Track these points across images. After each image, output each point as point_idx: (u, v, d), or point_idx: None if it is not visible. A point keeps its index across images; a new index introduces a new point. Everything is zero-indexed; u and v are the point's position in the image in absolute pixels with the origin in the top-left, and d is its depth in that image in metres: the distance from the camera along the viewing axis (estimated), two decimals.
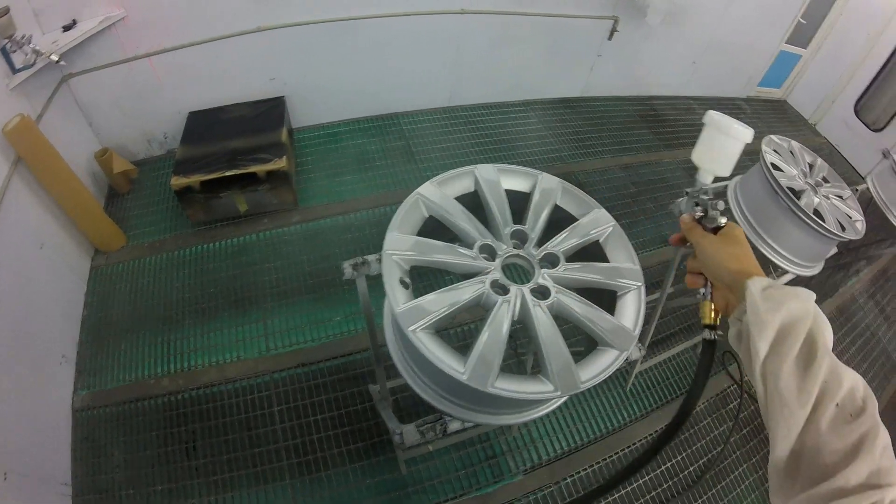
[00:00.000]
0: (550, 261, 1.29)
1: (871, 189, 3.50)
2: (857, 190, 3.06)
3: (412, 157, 3.71)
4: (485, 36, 3.82)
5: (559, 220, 1.40)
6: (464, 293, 1.18)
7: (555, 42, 4.14)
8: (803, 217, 2.13)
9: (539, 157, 4.05)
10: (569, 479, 2.46)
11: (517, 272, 1.39)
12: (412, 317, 1.12)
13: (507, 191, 1.42)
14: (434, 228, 1.35)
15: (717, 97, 5.54)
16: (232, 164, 2.94)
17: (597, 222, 1.37)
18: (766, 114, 5.74)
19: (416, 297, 1.17)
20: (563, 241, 1.33)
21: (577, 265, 1.29)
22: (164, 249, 2.98)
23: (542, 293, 1.22)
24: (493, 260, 1.26)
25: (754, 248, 0.80)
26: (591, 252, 1.38)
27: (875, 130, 5.75)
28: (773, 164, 2.31)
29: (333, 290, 2.88)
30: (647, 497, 2.48)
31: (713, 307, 0.89)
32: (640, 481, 2.53)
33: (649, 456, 1.02)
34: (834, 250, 2.49)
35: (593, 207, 1.41)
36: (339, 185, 3.44)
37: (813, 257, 2.36)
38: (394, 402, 2.37)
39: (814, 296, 0.72)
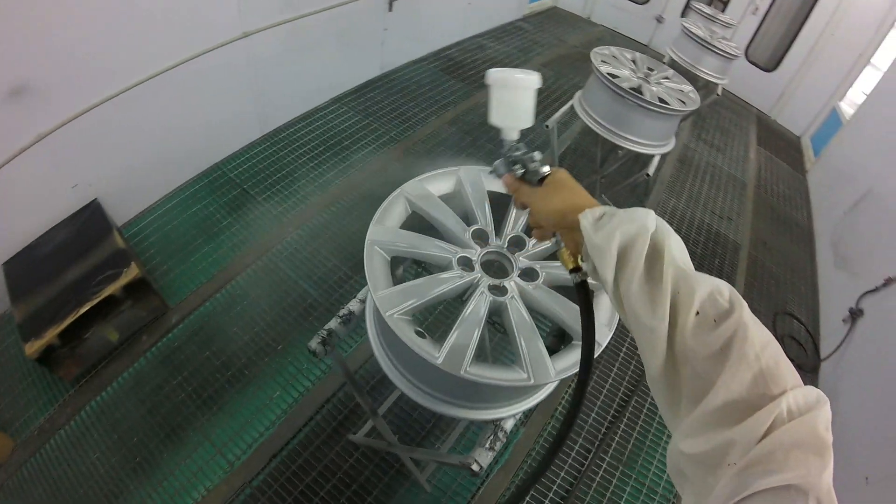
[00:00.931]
0: (527, 257, 1.36)
1: (673, 56, 4.02)
2: (663, 61, 3.54)
3: (252, 200, 3.51)
4: (276, 50, 3.63)
5: None
6: (442, 284, 1.23)
7: (342, 31, 4.06)
8: (655, 108, 2.44)
9: (372, 146, 4.02)
10: (558, 408, 2.76)
11: (496, 268, 1.41)
12: (391, 303, 1.17)
13: (489, 192, 1.48)
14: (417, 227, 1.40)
15: (499, 26, 5.85)
16: (81, 299, 2.59)
17: None
18: (546, 23, 6.19)
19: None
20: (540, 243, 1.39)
21: (555, 263, 1.34)
22: (56, 427, 2.56)
23: (518, 286, 1.27)
24: (474, 255, 1.32)
25: (584, 192, 0.87)
26: None
27: (641, 3, 6.46)
28: (609, 74, 2.56)
29: (255, 370, 2.72)
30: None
31: (569, 252, 0.88)
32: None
33: (571, 419, 0.85)
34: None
35: None
36: (198, 263, 3.16)
37: (667, 135, 2.69)
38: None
39: (651, 213, 0.70)
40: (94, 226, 2.96)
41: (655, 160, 2.75)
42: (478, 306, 1.20)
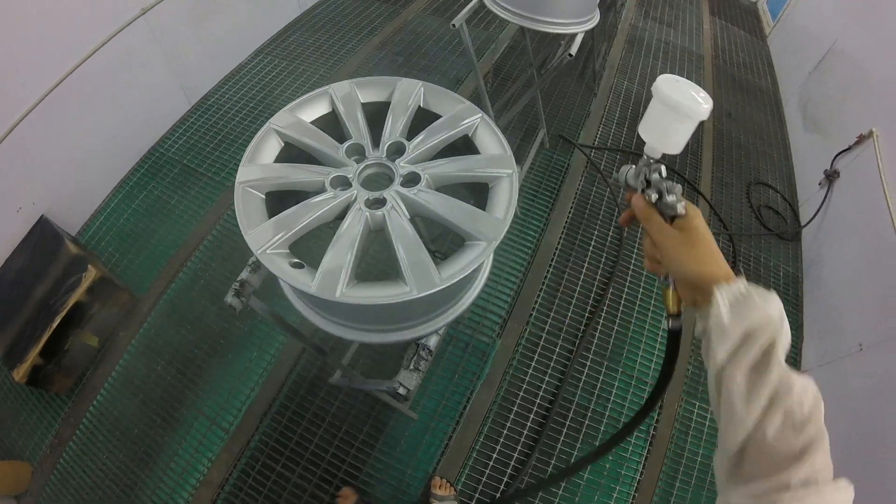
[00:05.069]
0: (409, 162, 1.26)
1: None
2: None
3: (195, 173, 3.46)
4: (182, 19, 3.46)
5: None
6: (315, 208, 1.16)
7: None
8: None
9: (301, 89, 3.90)
10: (532, 314, 2.73)
11: (378, 181, 1.32)
12: (262, 239, 1.10)
13: (367, 104, 1.39)
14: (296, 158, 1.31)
15: None
16: (51, 313, 2.62)
17: (460, 116, 1.33)
18: None
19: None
20: (425, 141, 1.29)
21: (440, 161, 1.27)
22: (65, 441, 2.65)
23: (399, 193, 1.20)
24: (350, 171, 1.24)
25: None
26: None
27: None
28: None
29: (232, 337, 2.78)
30: None
31: (676, 297, 0.82)
32: None
33: (621, 437, 1.05)
34: None
35: (459, 103, 1.36)
36: (156, 248, 3.16)
37: (587, 10, 2.54)
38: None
39: (780, 303, 0.70)
40: (47, 242, 2.94)
41: (578, 38, 2.61)
42: (352, 224, 1.14)
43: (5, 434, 2.74)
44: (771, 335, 0.67)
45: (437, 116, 1.36)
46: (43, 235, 2.97)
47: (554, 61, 3.47)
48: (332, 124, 1.37)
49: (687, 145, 0.87)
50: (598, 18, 2.66)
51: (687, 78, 0.81)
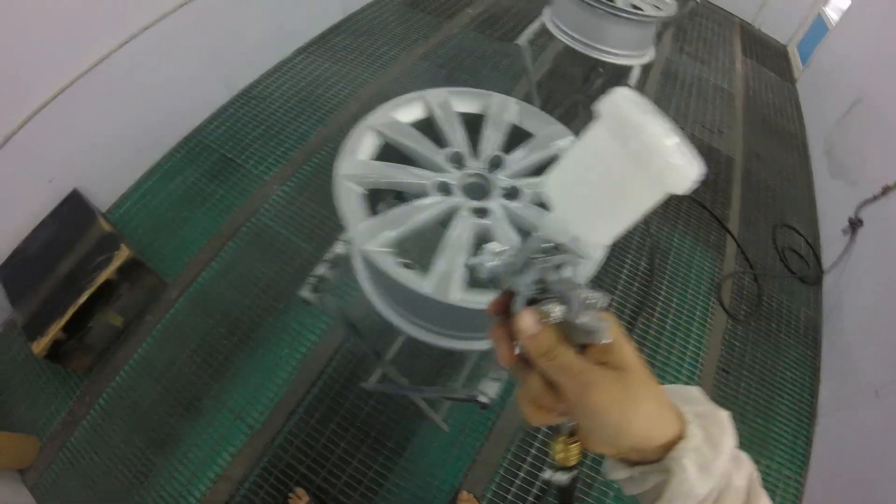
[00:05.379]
0: (508, 176, 1.29)
1: None
2: None
3: (233, 164, 3.43)
4: (227, 10, 3.45)
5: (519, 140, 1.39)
6: (421, 211, 1.17)
7: None
8: (628, 15, 2.33)
9: (345, 91, 3.90)
10: None
11: (477, 190, 1.33)
12: (368, 235, 1.11)
13: (461, 114, 1.40)
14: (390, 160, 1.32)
15: None
16: (78, 289, 2.58)
17: (552, 136, 1.35)
18: None
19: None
20: (524, 157, 1.32)
21: (537, 179, 1.28)
22: (78, 419, 2.59)
23: (503, 206, 1.21)
24: (452, 178, 1.25)
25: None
26: None
27: None
28: None
29: (262, 332, 2.74)
30: None
31: (579, 448, 0.55)
32: None
33: None
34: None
35: (551, 124, 1.38)
36: (188, 234, 3.12)
37: (645, 44, 2.59)
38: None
39: (734, 435, 0.55)
40: (78, 216, 2.91)
41: (636, 71, 2.65)
42: (461, 231, 1.15)
43: (14, 405, 2.68)
44: (748, 471, 0.55)
45: (527, 133, 1.40)
46: (73, 209, 2.94)
47: (597, 83, 3.50)
48: (424, 130, 1.38)
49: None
50: (654, 54, 2.69)
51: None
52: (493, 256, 0.52)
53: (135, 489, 2.38)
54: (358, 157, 1.27)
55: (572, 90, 3.89)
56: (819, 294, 3.58)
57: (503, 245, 0.54)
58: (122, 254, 2.67)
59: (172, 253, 3.05)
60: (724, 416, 0.55)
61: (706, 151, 4.16)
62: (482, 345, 1.32)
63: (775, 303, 3.43)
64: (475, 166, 1.30)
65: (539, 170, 1.33)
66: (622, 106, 0.42)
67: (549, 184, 0.49)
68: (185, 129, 3.58)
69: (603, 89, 3.74)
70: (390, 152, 1.33)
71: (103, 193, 3.21)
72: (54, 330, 2.48)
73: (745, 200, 3.99)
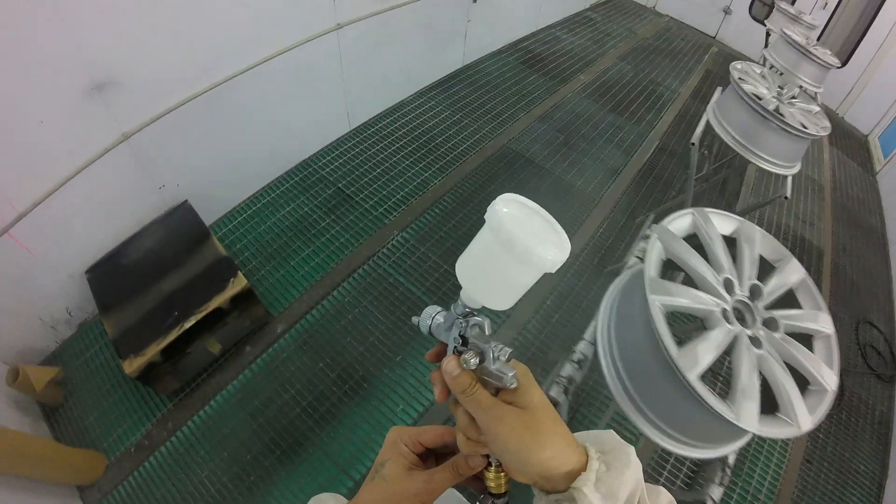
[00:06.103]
0: (765, 305, 1.34)
1: (771, 61, 3.91)
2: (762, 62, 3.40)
3: (350, 200, 3.29)
4: (365, 43, 3.43)
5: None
6: (716, 343, 1.20)
7: (429, 23, 3.87)
8: (797, 133, 2.35)
9: (465, 144, 3.82)
10: None
11: (739, 316, 1.36)
12: (688, 363, 1.15)
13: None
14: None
15: (569, 17, 5.71)
16: (185, 311, 2.38)
17: (789, 270, 1.41)
18: (613, 13, 6.05)
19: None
20: (776, 288, 1.37)
21: (788, 312, 1.33)
22: (156, 444, 2.37)
23: (767, 337, 1.27)
24: (727, 304, 1.30)
25: None
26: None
27: None
28: (754, 94, 2.47)
29: (374, 382, 2.54)
30: None
31: (505, 477, 0.64)
32: None
33: None
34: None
35: (784, 254, 1.45)
36: (298, 267, 2.96)
37: (798, 157, 2.59)
38: None
39: (638, 466, 0.61)
40: (188, 230, 2.75)
41: (789, 181, 2.65)
42: (750, 365, 1.19)
43: (83, 414, 2.47)
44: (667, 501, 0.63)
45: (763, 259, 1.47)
46: (183, 222, 2.79)
47: (767, 201, 3.52)
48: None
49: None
50: (801, 167, 2.66)
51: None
52: (429, 318, 0.67)
53: None
54: (652, 274, 1.29)
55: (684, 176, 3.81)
56: (893, 391, 3.44)
57: (437, 309, 0.67)
58: (239, 283, 2.50)
59: (279, 284, 2.88)
60: (630, 450, 0.61)
61: (798, 242, 4.06)
62: (705, 453, 1.33)
63: (855, 398, 3.28)
64: (741, 294, 1.34)
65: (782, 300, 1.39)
66: (507, 223, 0.55)
67: (458, 268, 0.62)
68: (300, 154, 3.49)
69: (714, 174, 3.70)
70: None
71: (208, 206, 3.05)
72: (152, 352, 2.28)
73: (834, 296, 3.86)
